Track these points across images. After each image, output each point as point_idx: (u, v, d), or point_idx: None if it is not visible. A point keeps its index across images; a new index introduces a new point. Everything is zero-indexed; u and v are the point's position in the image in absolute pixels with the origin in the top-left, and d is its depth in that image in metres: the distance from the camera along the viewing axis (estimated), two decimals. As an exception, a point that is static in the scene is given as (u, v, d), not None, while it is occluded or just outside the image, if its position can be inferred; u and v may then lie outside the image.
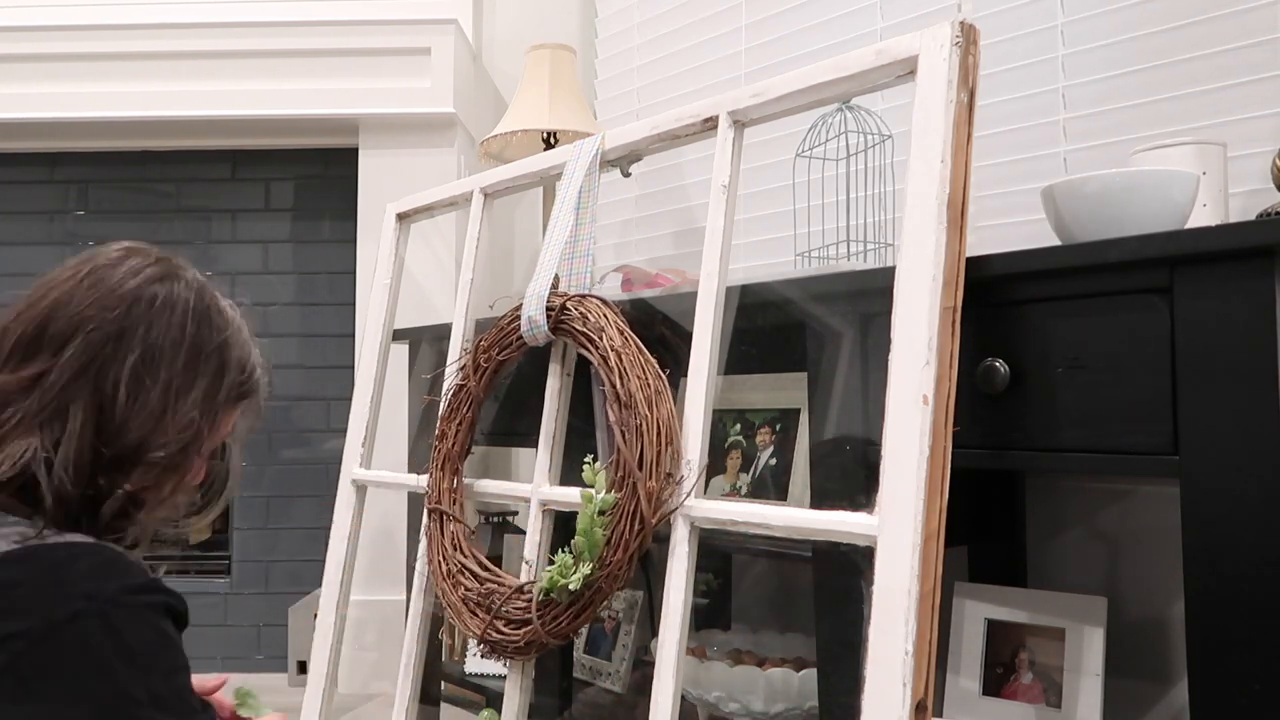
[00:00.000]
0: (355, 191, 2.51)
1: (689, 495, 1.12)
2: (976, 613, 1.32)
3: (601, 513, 1.16)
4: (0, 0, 2.53)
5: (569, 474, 1.32)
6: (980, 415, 1.07)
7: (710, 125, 1.24)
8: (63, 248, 2.62)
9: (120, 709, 0.79)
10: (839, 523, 1.00)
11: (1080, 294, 1.00)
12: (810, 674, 1.40)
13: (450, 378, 1.50)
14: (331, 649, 1.66)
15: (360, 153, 2.50)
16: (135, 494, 0.91)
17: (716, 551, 1.74)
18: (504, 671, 1.32)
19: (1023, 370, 1.04)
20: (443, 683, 1.96)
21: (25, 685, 0.77)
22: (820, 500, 1.18)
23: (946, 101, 0.98)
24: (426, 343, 1.92)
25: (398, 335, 1.87)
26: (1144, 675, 1.40)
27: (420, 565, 1.49)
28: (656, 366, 1.19)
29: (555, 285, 1.34)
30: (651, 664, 1.16)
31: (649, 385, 1.16)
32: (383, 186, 2.45)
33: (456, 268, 2.24)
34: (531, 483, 1.36)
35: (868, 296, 1.15)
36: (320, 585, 1.72)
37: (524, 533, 1.36)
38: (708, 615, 1.82)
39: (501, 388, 1.60)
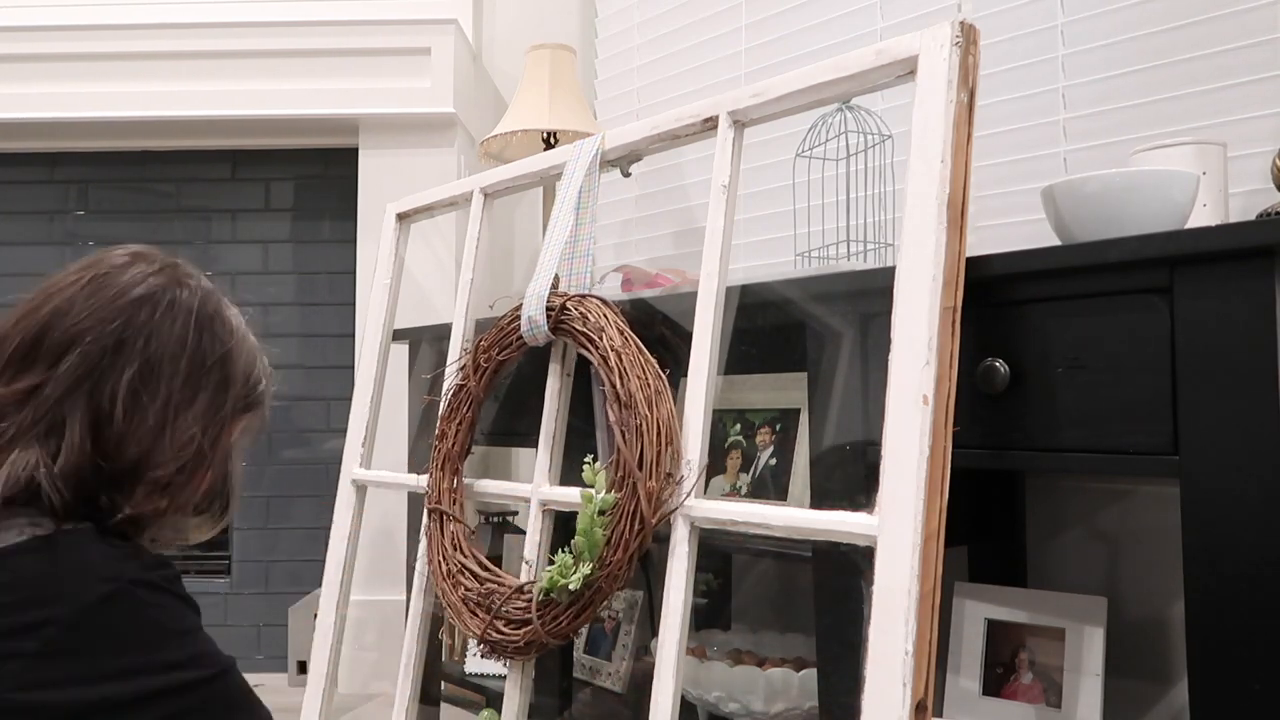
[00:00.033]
0: (355, 191, 2.52)
1: (689, 495, 1.12)
2: (976, 613, 1.32)
3: (601, 513, 1.16)
4: (1, 1, 2.53)
5: (569, 474, 1.32)
6: (980, 415, 1.07)
7: (710, 125, 1.24)
8: (63, 248, 2.62)
9: (168, 675, 0.82)
10: (839, 523, 1.00)
11: (1080, 294, 1.00)
12: (810, 674, 1.40)
13: (450, 378, 1.50)
14: (331, 649, 1.66)
15: (360, 153, 2.50)
16: (137, 516, 0.90)
17: (716, 551, 1.74)
18: (504, 671, 1.32)
19: (1023, 370, 1.04)
20: (443, 683, 1.96)
21: (65, 669, 0.78)
22: (820, 500, 1.18)
23: (946, 101, 0.98)
24: (426, 343, 1.92)
25: (398, 335, 1.87)
26: (1144, 675, 1.40)
27: (420, 565, 1.49)
28: (656, 366, 1.19)
29: (555, 285, 1.34)
30: (651, 664, 1.16)
31: (649, 385, 1.16)
32: (383, 186, 2.45)
33: (456, 268, 2.24)
34: (531, 483, 1.36)
35: (868, 296, 1.15)
36: (320, 585, 1.72)
37: (524, 533, 1.37)
38: (708, 615, 1.82)
39: (501, 388, 1.60)
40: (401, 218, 1.78)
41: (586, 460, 1.22)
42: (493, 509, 2.08)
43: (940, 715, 1.31)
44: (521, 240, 2.67)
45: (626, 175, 1.45)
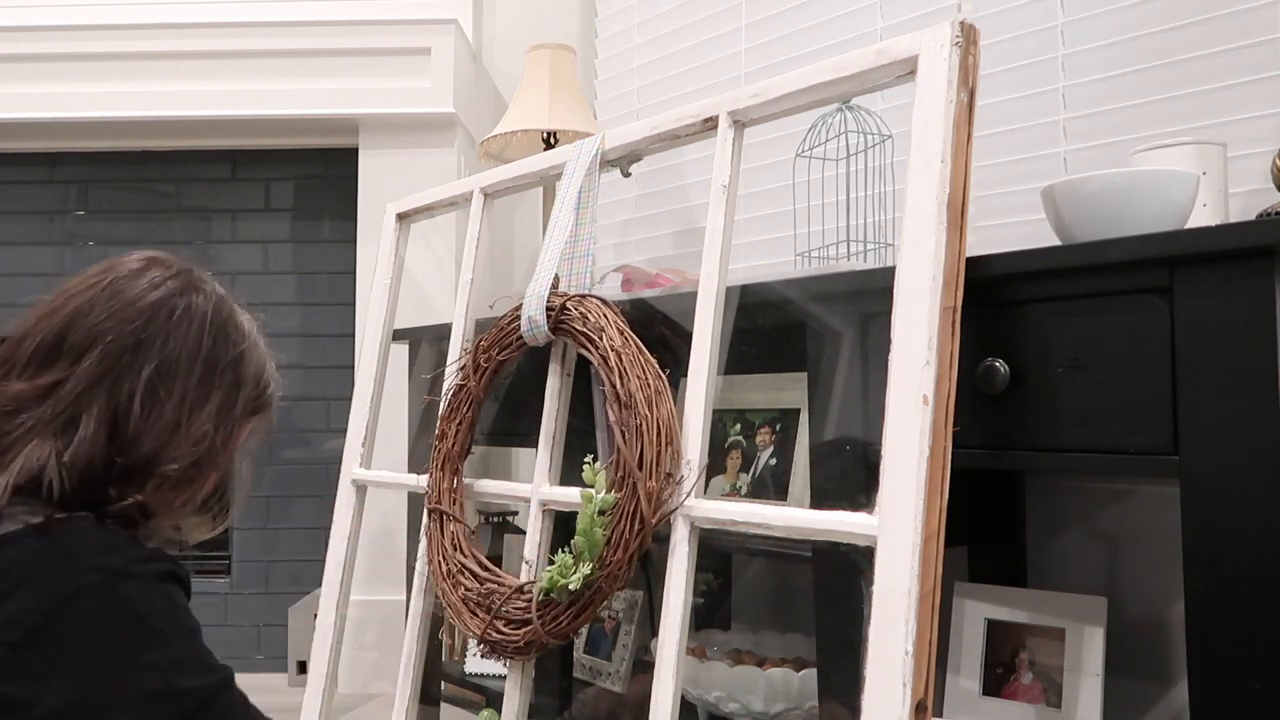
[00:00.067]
0: (355, 191, 2.51)
1: (689, 495, 1.12)
2: (976, 613, 1.32)
3: (601, 513, 1.16)
4: (1, 1, 2.53)
5: (569, 474, 1.32)
6: (980, 415, 1.07)
7: (710, 125, 1.24)
8: (63, 248, 2.62)
9: (141, 676, 0.81)
10: (839, 523, 1.00)
11: (1080, 294, 1.00)
12: (810, 674, 1.40)
13: (450, 378, 1.50)
14: (331, 649, 1.66)
15: (360, 153, 2.50)
16: (145, 505, 0.91)
17: (716, 551, 1.74)
18: (504, 671, 1.32)
19: (1023, 370, 1.04)
20: (443, 683, 1.96)
21: (46, 660, 0.78)
22: (820, 500, 1.18)
23: (946, 101, 0.97)
24: (426, 343, 1.92)
25: (398, 335, 1.87)
26: (1144, 675, 1.40)
27: (420, 565, 1.49)
28: (656, 366, 1.19)
29: (555, 285, 1.34)
30: (651, 664, 1.16)
31: (649, 385, 1.16)
32: (383, 186, 2.45)
33: (456, 268, 2.24)
34: (531, 483, 1.36)
35: (868, 296, 1.15)
36: (320, 585, 1.72)
37: (524, 533, 1.36)
38: (708, 615, 1.82)
39: (501, 388, 1.60)
40: (401, 218, 1.78)
41: (586, 460, 1.22)
42: (493, 509, 2.08)
43: (940, 715, 1.31)
44: (521, 240, 2.67)
45: (626, 175, 1.45)
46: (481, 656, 1.31)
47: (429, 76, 2.40)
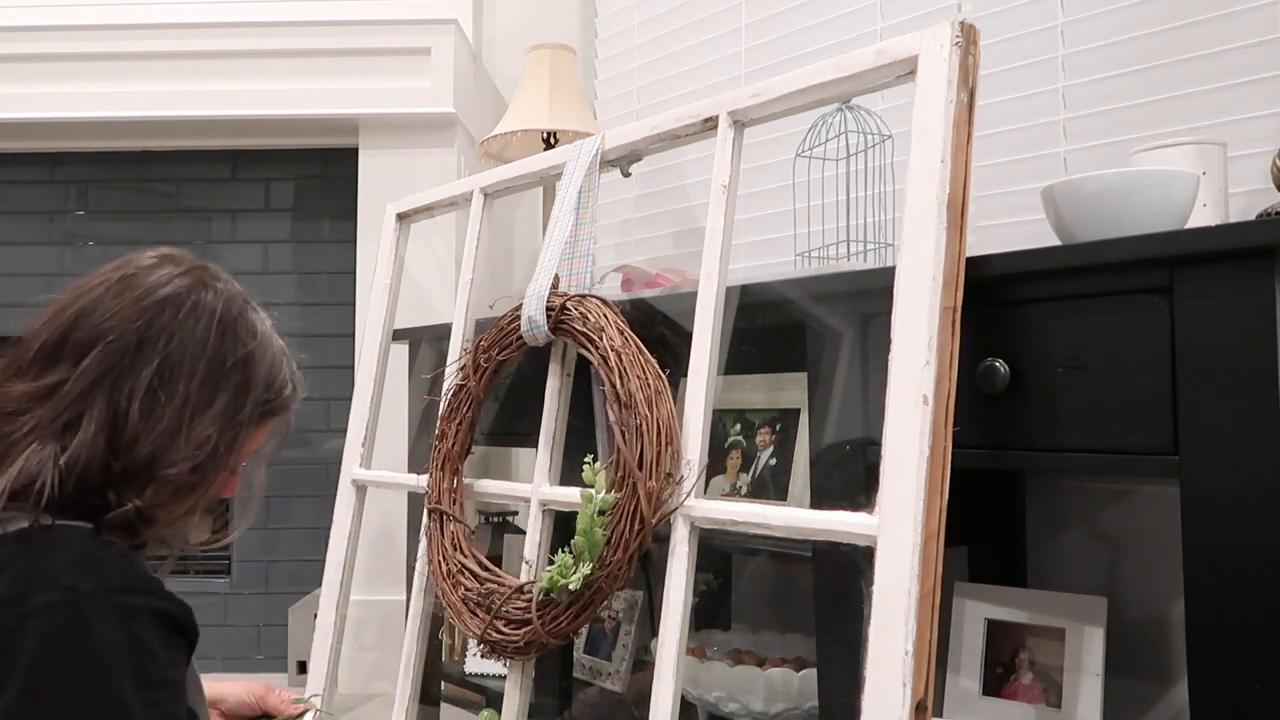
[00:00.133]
0: (355, 191, 2.51)
1: (689, 495, 1.12)
2: (976, 613, 1.32)
3: (601, 513, 1.16)
4: (1, 1, 2.53)
5: (569, 474, 1.32)
6: (980, 415, 1.07)
7: (710, 125, 1.24)
8: (63, 248, 2.62)
9: (70, 713, 0.76)
10: (839, 523, 1.00)
11: (1080, 294, 1.00)
12: (810, 674, 1.40)
13: (450, 378, 1.50)
14: (331, 649, 1.66)
15: (360, 153, 2.50)
16: (144, 510, 0.88)
17: (716, 551, 1.74)
18: (504, 671, 1.32)
19: (1023, 370, 1.04)
20: (443, 683, 1.96)
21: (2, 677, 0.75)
22: (820, 500, 1.18)
23: (946, 101, 0.97)
24: (426, 343, 1.92)
25: (398, 335, 1.87)
26: (1144, 675, 1.40)
27: (420, 565, 1.49)
28: (656, 366, 1.19)
29: (555, 285, 1.34)
30: (651, 664, 1.16)
31: (649, 385, 1.16)
32: (383, 186, 2.45)
33: (456, 268, 2.24)
34: (531, 483, 1.36)
35: (868, 296, 1.15)
36: (320, 585, 1.72)
37: (524, 533, 1.37)
38: (708, 615, 1.82)
39: (501, 388, 1.60)
40: (401, 218, 1.78)
41: (586, 460, 1.22)
42: (493, 509, 2.08)
43: (940, 715, 1.31)
44: (521, 240, 2.67)
45: (626, 175, 1.45)
46: (481, 656, 1.31)
47: (429, 76, 2.40)
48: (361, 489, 1.72)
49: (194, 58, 2.44)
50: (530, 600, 1.23)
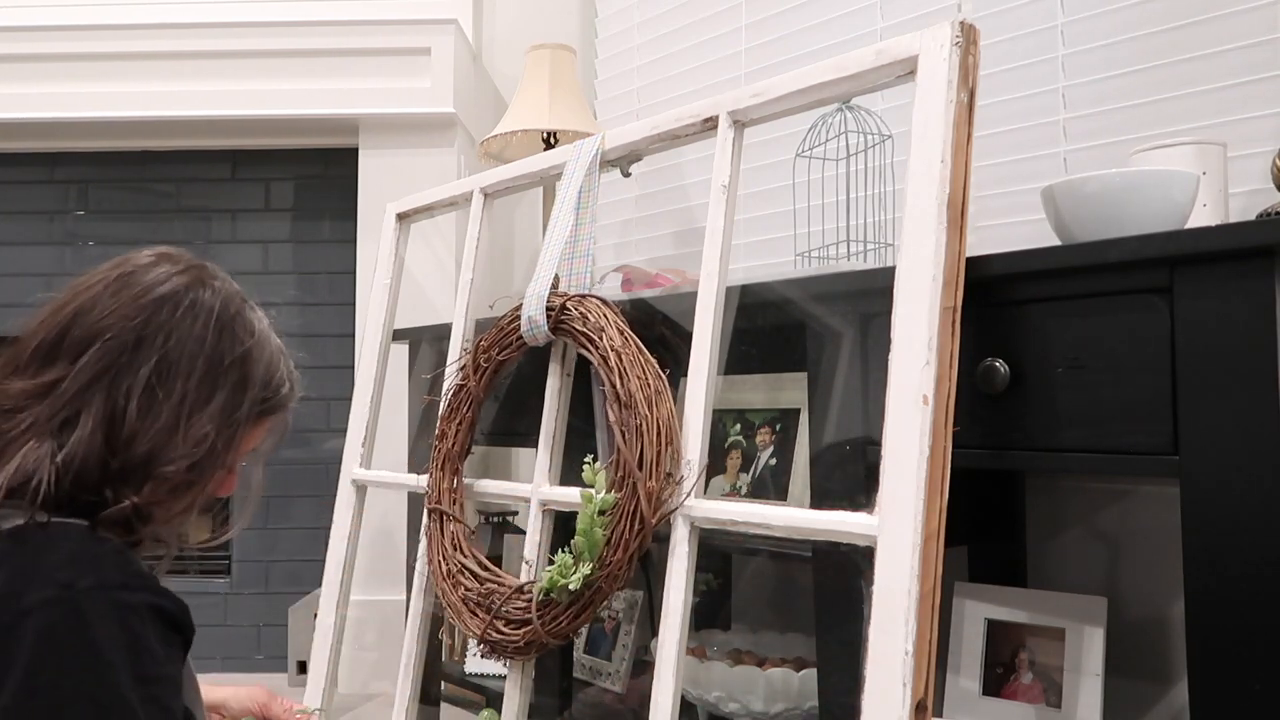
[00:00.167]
0: (355, 191, 2.51)
1: (689, 495, 1.12)
2: (976, 613, 1.32)
3: (601, 513, 1.16)
4: (1, 1, 2.53)
5: (569, 474, 1.32)
6: (980, 415, 1.07)
7: (710, 125, 1.24)
8: (63, 248, 2.62)
9: (74, 710, 0.76)
10: (839, 523, 1.00)
11: (1080, 294, 1.00)
12: (810, 674, 1.40)
13: (450, 378, 1.50)
14: (331, 649, 1.66)
15: (360, 153, 2.50)
16: (141, 508, 0.88)
17: (716, 551, 1.74)
18: (504, 671, 1.32)
19: (1023, 370, 1.04)
20: (443, 683, 1.96)
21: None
22: (820, 500, 1.18)
23: (946, 101, 0.97)
24: (426, 343, 1.92)
25: (398, 335, 1.87)
26: (1144, 675, 1.40)
27: (420, 565, 1.49)
28: (656, 366, 1.19)
29: (555, 285, 1.34)
30: (651, 664, 1.16)
31: (649, 385, 1.16)
32: (383, 186, 2.45)
33: (456, 268, 2.24)
34: (531, 483, 1.36)
35: (868, 296, 1.15)
36: (320, 585, 1.72)
37: (524, 533, 1.37)
38: (708, 615, 1.82)
39: (501, 388, 1.60)
40: (401, 218, 1.78)
41: (586, 460, 1.22)
42: (493, 509, 2.08)
43: (940, 715, 1.31)
44: (521, 240, 2.67)
45: (626, 175, 1.45)
46: (481, 656, 1.31)
47: (429, 76, 2.40)
48: (361, 489, 1.72)
49: (194, 58, 2.44)
50: (530, 600, 1.23)
